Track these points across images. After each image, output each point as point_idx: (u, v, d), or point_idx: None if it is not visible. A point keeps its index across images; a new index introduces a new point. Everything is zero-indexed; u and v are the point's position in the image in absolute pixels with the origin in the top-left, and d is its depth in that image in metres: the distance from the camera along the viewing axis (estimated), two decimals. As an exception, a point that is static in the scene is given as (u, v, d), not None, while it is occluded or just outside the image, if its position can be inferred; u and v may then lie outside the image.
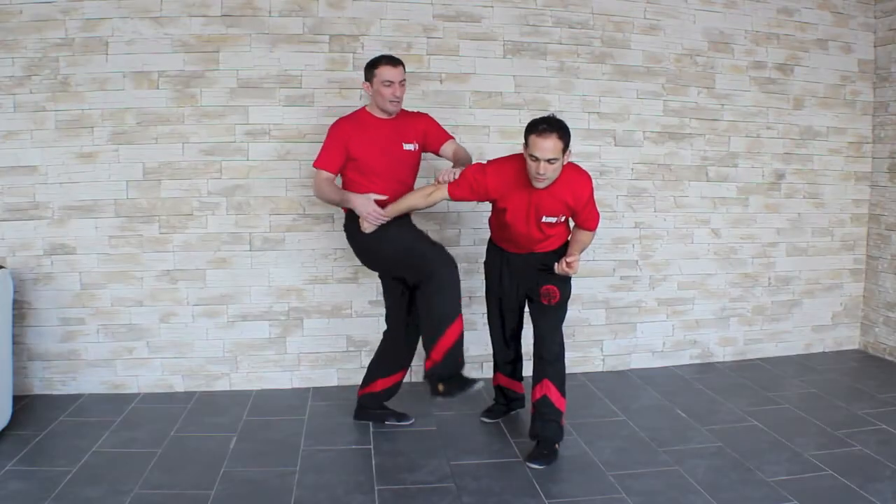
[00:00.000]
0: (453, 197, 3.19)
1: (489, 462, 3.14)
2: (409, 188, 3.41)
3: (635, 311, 4.51)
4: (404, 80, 3.30)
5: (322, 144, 3.34)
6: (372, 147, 3.29)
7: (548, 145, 2.89)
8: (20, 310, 3.83)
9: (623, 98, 4.34)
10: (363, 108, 3.41)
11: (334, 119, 3.97)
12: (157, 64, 3.84)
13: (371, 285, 4.16)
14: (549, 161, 2.91)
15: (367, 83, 3.31)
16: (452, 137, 3.53)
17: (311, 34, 3.96)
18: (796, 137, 4.65)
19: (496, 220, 3.31)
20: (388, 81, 3.23)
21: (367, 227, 3.23)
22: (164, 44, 3.82)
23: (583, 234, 3.27)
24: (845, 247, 4.85)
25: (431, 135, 3.48)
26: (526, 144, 2.97)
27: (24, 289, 3.83)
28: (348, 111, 3.97)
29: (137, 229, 3.91)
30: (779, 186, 4.66)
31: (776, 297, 4.75)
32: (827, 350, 4.88)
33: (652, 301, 4.52)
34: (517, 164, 3.10)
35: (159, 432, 3.41)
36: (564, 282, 3.27)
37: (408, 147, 3.39)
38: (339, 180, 3.39)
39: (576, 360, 4.35)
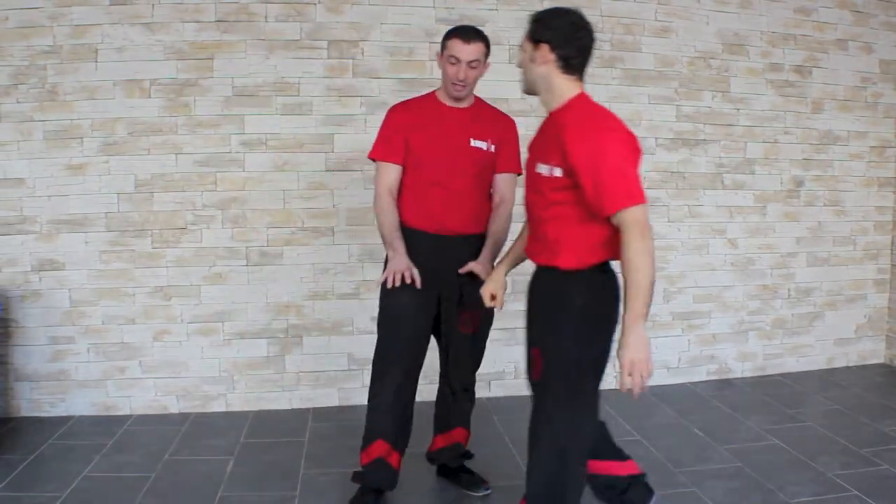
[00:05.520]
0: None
1: (497, 490, 3.06)
2: (475, 203, 2.79)
3: (649, 326, 4.30)
4: (478, 61, 2.66)
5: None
6: (427, 136, 2.73)
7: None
8: (7, 328, 3.78)
9: (634, 103, 4.28)
10: (432, 92, 2.85)
11: (333, 128, 3.94)
12: (149, 72, 3.79)
13: (373, 301, 4.03)
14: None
15: (440, 55, 2.74)
16: (521, 172, 2.77)
17: (308, 40, 3.91)
18: (816, 142, 4.59)
19: None
20: (454, 58, 2.63)
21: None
22: (155, 51, 3.78)
23: None
24: (868, 256, 4.79)
25: (504, 150, 2.80)
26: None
27: (10, 306, 3.77)
28: (348, 120, 3.96)
29: (129, 244, 3.85)
30: (798, 194, 4.60)
31: (796, 309, 4.68)
32: (851, 364, 4.82)
33: (666, 315, 4.45)
34: None
35: (153, 456, 3.36)
36: None
37: (477, 144, 2.75)
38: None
39: (587, 377, 4.28)
